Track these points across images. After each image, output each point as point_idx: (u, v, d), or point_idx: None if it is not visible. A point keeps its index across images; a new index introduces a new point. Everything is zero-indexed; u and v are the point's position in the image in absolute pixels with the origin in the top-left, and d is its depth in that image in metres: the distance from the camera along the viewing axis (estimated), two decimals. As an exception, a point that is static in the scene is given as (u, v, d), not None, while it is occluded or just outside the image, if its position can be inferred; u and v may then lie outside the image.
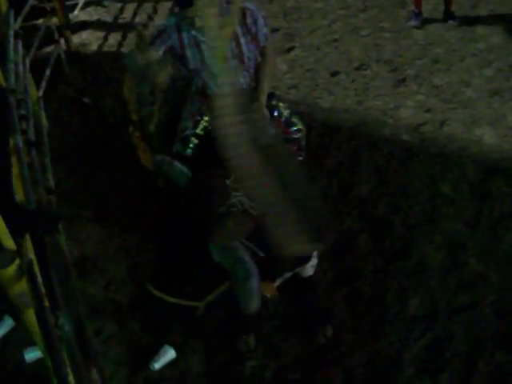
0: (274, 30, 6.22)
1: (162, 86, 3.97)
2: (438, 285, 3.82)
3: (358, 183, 4.50)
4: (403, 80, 5.47)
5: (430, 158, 4.64)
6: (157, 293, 2.69)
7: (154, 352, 3.56)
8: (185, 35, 3.34)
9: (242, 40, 3.42)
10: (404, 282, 3.85)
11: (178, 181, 3.03)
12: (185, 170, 3.02)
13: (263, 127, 3.38)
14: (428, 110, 5.12)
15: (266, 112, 3.50)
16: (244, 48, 3.44)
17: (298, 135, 3.65)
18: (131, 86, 4.19)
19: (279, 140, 3.44)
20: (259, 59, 3.61)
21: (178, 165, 3.04)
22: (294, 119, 3.66)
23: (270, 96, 3.65)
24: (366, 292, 3.83)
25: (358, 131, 4.93)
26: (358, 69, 5.69)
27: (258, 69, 3.60)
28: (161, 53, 3.37)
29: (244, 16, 3.39)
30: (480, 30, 6.05)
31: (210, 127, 3.54)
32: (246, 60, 3.49)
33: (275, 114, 3.60)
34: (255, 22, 3.42)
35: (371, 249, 4.06)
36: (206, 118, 3.56)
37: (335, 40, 6.11)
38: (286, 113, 3.64)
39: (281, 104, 3.67)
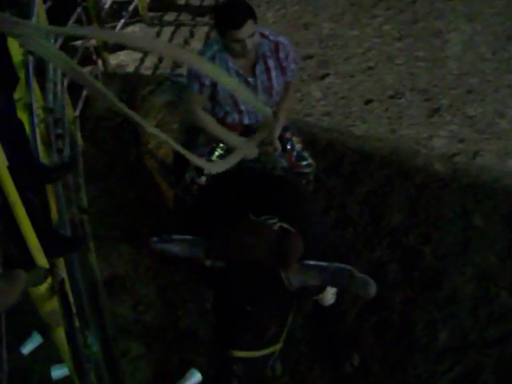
0: (309, 57, 6.27)
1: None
2: (468, 317, 3.77)
3: (389, 212, 4.47)
4: (437, 110, 5.46)
5: (463, 189, 4.60)
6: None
7: (181, 374, 3.56)
8: (219, 64, 3.35)
9: (274, 73, 3.42)
10: (434, 313, 3.81)
11: (194, 253, 2.89)
12: (190, 237, 2.91)
13: (275, 160, 3.40)
14: (461, 141, 5.09)
15: (279, 145, 3.50)
16: (274, 82, 3.45)
17: (308, 170, 3.66)
18: (146, 112, 4.24)
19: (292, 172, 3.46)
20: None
21: (182, 237, 2.92)
22: (305, 154, 3.67)
23: (285, 129, 3.65)
24: (395, 322, 3.80)
25: (391, 160, 4.91)
26: (391, 97, 5.68)
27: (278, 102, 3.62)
28: (208, 83, 3.40)
29: (277, 50, 3.39)
30: (515, 61, 6.03)
31: (225, 155, 3.56)
32: (274, 94, 3.50)
33: (288, 147, 3.60)
34: (287, 57, 3.42)
35: (401, 279, 4.03)
36: (222, 145, 3.57)
37: (370, 68, 6.11)
38: (298, 147, 3.65)
39: (294, 138, 3.67)
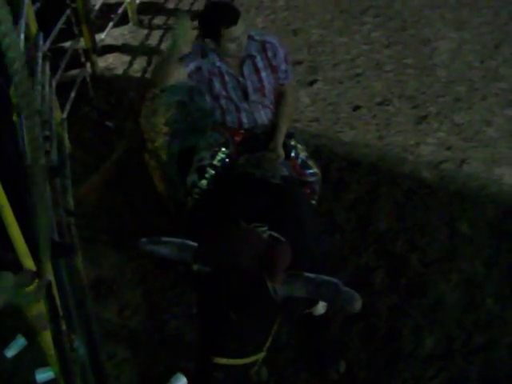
0: (298, 63, 6.28)
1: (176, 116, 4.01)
2: (454, 324, 3.78)
3: (376, 219, 4.49)
4: (425, 117, 5.48)
5: (450, 196, 4.63)
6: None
7: (166, 379, 3.55)
8: (209, 62, 3.37)
9: (264, 74, 3.43)
10: (420, 319, 3.82)
11: (182, 257, 2.75)
12: (179, 240, 2.87)
13: (276, 167, 3.39)
14: (448, 148, 5.12)
15: (282, 152, 3.49)
16: (265, 81, 3.46)
17: (313, 179, 3.64)
18: (147, 116, 4.22)
19: (292, 181, 3.45)
20: (278, 96, 3.62)
21: (171, 239, 2.87)
22: (310, 162, 3.65)
23: (289, 136, 3.64)
24: (381, 328, 3.80)
25: (378, 166, 4.94)
26: (379, 104, 5.70)
27: (277, 107, 3.61)
28: (188, 70, 3.37)
29: (264, 49, 3.41)
30: (503, 69, 6.07)
31: (227, 160, 3.56)
32: (267, 93, 3.51)
33: (292, 154, 3.59)
34: (275, 56, 3.44)
35: (387, 285, 4.04)
36: (224, 150, 3.56)
37: (358, 75, 6.14)
38: (302, 155, 3.62)
39: (299, 145, 3.65)
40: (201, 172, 3.51)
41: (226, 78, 3.40)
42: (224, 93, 3.44)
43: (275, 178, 3.27)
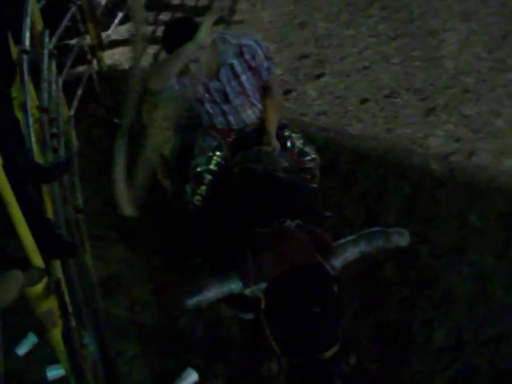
0: (304, 57, 6.26)
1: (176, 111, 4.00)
2: (464, 316, 3.78)
3: (385, 211, 4.47)
4: (433, 109, 5.45)
5: (459, 188, 4.60)
6: None
7: (177, 374, 3.56)
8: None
9: (244, 77, 3.42)
10: (430, 312, 3.81)
11: (230, 290, 2.62)
12: (215, 278, 2.65)
13: (276, 160, 3.38)
14: (457, 140, 5.09)
15: (277, 144, 3.49)
16: (246, 84, 3.45)
17: (312, 164, 3.66)
18: (149, 110, 4.22)
19: (293, 170, 3.45)
20: (263, 91, 3.61)
21: (207, 281, 2.64)
22: (307, 149, 3.66)
23: (283, 127, 3.64)
24: (391, 321, 3.80)
25: (387, 159, 4.91)
26: (387, 97, 5.68)
27: (263, 102, 3.61)
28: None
29: (242, 53, 3.39)
30: (511, 60, 6.01)
31: (223, 162, 3.56)
32: (250, 94, 3.51)
33: (288, 144, 3.59)
34: (254, 57, 3.41)
35: (397, 278, 4.02)
36: (218, 153, 3.56)
37: (365, 67, 6.11)
38: (298, 143, 3.64)
39: (294, 135, 3.66)
40: (198, 179, 3.52)
41: (207, 81, 3.41)
42: (208, 95, 3.46)
43: (277, 170, 3.27)
